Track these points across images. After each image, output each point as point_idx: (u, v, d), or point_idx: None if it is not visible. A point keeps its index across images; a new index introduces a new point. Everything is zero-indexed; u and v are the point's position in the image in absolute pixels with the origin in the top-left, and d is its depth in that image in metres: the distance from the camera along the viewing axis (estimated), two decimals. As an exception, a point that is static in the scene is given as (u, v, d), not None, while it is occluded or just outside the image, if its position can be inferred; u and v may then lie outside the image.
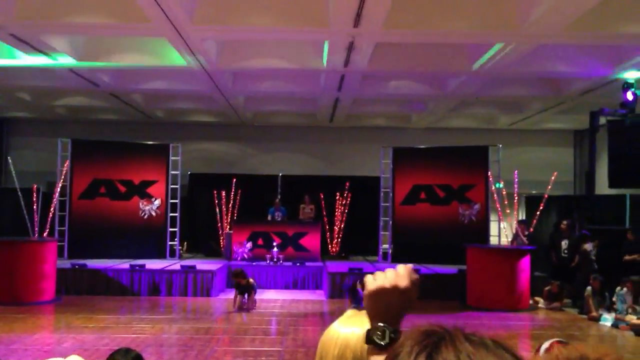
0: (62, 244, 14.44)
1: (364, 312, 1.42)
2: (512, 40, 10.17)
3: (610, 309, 10.68)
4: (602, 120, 12.64)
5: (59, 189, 14.20)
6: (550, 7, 8.50)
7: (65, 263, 13.16)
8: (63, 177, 14.43)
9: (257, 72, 13.43)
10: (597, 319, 10.58)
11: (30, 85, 14.52)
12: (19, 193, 13.00)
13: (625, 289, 10.48)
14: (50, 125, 18.50)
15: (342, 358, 1.37)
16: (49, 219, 13.65)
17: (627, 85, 11.65)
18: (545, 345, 2.76)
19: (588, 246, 11.75)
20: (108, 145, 15.90)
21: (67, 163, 14.78)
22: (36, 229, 13.11)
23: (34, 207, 13.30)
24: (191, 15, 9.31)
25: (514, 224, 13.41)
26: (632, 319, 10.02)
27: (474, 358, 0.80)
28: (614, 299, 10.71)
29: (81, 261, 13.31)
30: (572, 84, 13.57)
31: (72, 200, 15.11)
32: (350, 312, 1.46)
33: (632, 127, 11.82)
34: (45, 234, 13.17)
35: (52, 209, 13.96)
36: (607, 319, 10.41)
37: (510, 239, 13.40)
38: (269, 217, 15.81)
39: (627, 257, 11.58)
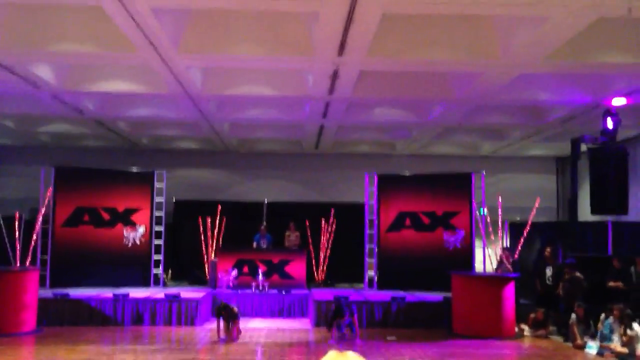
0: (45, 272, 14.24)
1: (346, 353, 1.40)
2: (493, 70, 10.33)
3: (594, 336, 10.68)
4: (584, 147, 12.78)
5: (41, 217, 14.05)
6: (530, 37, 8.67)
7: (47, 292, 12.96)
8: (46, 204, 14.29)
9: (242, 99, 13.48)
10: (582, 347, 10.58)
11: (14, 113, 14.45)
12: (1, 221, 12.84)
13: (611, 317, 10.48)
14: (33, 152, 18.39)
15: None
16: (31, 247, 13.47)
17: (607, 113, 11.83)
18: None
19: (579, 274, 11.76)
20: (92, 172, 15.79)
21: (50, 190, 14.66)
22: (18, 257, 12.94)
23: (16, 235, 13.14)
24: (176, 43, 9.36)
25: (498, 251, 13.45)
26: (617, 346, 10.03)
27: None
28: (598, 326, 10.71)
29: (64, 290, 13.11)
30: (553, 111, 13.77)
31: (55, 228, 14.95)
32: (332, 354, 1.42)
33: (613, 154, 11.96)
34: (27, 263, 12.99)
35: (34, 237, 13.79)
36: (592, 347, 10.40)
37: (495, 266, 13.42)
38: (254, 245, 15.73)
39: (611, 284, 11.63)
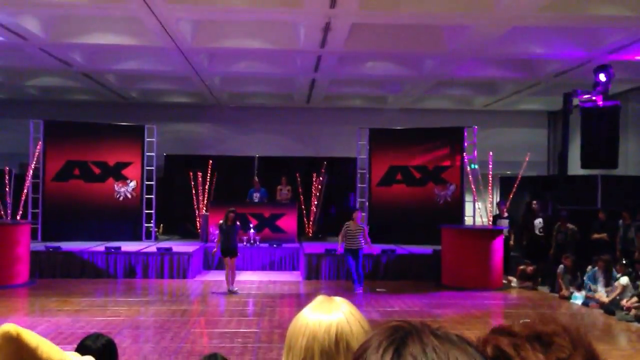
0: (36, 226, 14.27)
1: (333, 298, 1.40)
2: (486, 22, 10.22)
3: (581, 287, 10.90)
4: (576, 101, 12.77)
5: (31, 171, 14.00)
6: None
7: (39, 246, 13.03)
8: (36, 158, 14.23)
9: (233, 53, 13.31)
10: (568, 298, 10.80)
11: (1, 65, 14.22)
12: (-9, 175, 12.81)
13: (596, 268, 10.67)
14: (22, 106, 18.16)
15: (308, 350, 1.31)
16: (22, 202, 13.48)
17: (600, 67, 11.78)
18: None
19: (573, 226, 11.93)
20: (82, 126, 15.66)
21: (40, 144, 14.56)
22: (9, 211, 12.94)
23: (7, 189, 13.12)
24: (165, -6, 9.18)
25: (488, 205, 13.56)
26: (602, 297, 10.24)
27: (439, 351, 0.82)
28: (584, 277, 10.92)
29: (55, 244, 13.18)
30: (546, 65, 13.70)
31: (45, 183, 14.92)
32: (320, 298, 1.41)
33: (605, 108, 11.97)
34: (18, 217, 13.01)
35: (25, 191, 13.77)
36: (578, 297, 10.63)
37: (491, 221, 13.44)
38: (248, 199, 15.75)
39: (595, 236, 11.82)
